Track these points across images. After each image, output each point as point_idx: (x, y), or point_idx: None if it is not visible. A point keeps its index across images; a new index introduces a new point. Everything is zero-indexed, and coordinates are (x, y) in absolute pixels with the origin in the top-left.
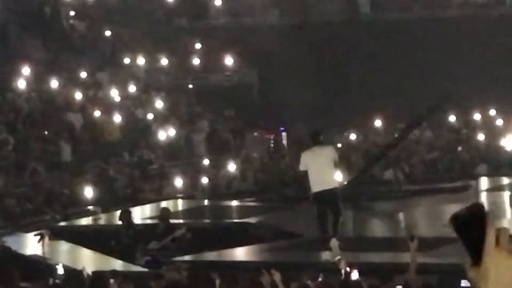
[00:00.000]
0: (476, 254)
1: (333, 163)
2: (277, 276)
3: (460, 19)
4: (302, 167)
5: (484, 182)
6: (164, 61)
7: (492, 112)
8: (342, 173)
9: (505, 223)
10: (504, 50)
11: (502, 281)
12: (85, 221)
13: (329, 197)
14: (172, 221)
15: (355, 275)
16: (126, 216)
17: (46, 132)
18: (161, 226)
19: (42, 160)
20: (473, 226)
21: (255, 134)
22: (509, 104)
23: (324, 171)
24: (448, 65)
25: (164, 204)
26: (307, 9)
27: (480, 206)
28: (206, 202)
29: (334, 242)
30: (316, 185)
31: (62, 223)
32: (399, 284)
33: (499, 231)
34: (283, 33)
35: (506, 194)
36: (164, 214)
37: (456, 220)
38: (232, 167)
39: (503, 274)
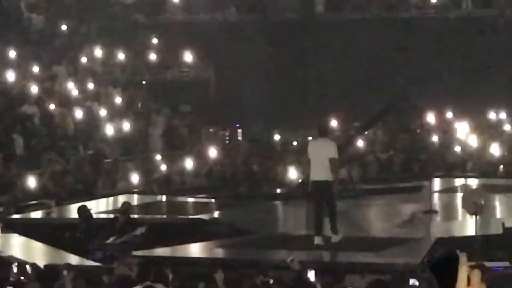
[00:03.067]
0: None
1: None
2: (220, 276)
3: (417, 21)
4: (308, 155)
5: (438, 183)
6: (121, 56)
7: (449, 114)
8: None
9: (457, 224)
10: (459, 52)
11: None
12: (38, 214)
13: (324, 188)
14: (132, 216)
15: (311, 275)
16: (84, 212)
17: (0, 124)
18: (121, 220)
19: None
20: (446, 266)
21: (210, 130)
22: (465, 106)
23: (321, 164)
24: (404, 65)
25: (120, 198)
26: (263, 7)
27: (454, 249)
28: (159, 197)
29: (318, 240)
30: (314, 174)
31: (15, 216)
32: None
33: (471, 272)
34: (240, 30)
35: (458, 195)
36: (125, 208)
37: (430, 261)
38: (186, 162)
39: None
